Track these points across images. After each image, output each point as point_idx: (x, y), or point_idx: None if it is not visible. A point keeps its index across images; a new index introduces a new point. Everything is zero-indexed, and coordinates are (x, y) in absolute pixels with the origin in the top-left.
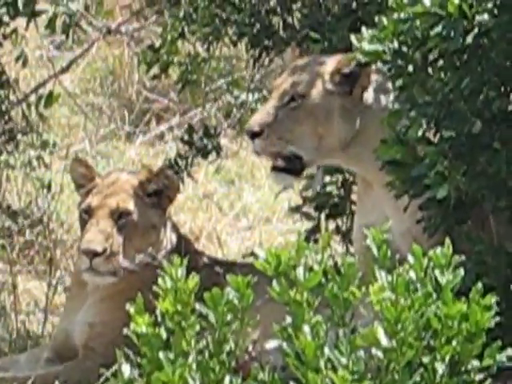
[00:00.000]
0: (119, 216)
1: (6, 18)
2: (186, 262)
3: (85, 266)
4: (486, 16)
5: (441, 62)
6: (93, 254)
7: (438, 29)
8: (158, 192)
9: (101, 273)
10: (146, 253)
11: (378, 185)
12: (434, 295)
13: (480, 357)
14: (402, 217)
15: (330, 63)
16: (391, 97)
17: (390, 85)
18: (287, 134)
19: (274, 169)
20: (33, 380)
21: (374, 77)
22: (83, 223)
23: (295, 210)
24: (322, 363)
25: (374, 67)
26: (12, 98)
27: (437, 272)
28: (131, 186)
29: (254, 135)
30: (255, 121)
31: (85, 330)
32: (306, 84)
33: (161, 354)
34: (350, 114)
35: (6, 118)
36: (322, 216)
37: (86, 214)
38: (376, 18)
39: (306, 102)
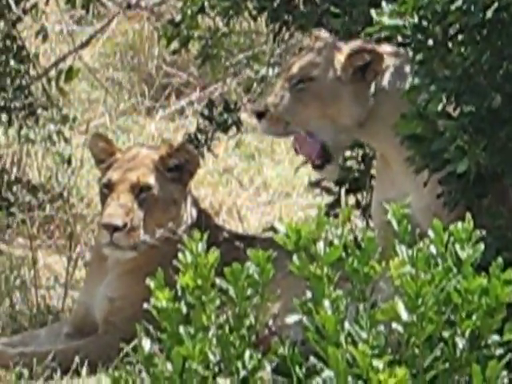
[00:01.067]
0: (140, 190)
1: None
2: (206, 236)
3: (105, 240)
4: None
5: (461, 37)
6: (113, 229)
7: (458, 3)
8: (178, 167)
9: (121, 247)
10: (166, 227)
11: (396, 161)
12: (455, 270)
13: (500, 331)
14: (421, 193)
15: (345, 51)
16: (408, 80)
17: (407, 68)
18: (292, 115)
19: (316, 168)
20: (53, 355)
21: (392, 60)
22: (104, 198)
23: (315, 184)
24: (342, 338)
25: (390, 50)
26: (32, 72)
27: (457, 246)
28: (152, 161)
29: (259, 115)
30: (262, 101)
31: (105, 304)
32: (317, 68)
33: (181, 329)
34: (361, 98)
35: (27, 92)
36: (342, 190)
37: (107, 189)
38: None
39: (313, 86)
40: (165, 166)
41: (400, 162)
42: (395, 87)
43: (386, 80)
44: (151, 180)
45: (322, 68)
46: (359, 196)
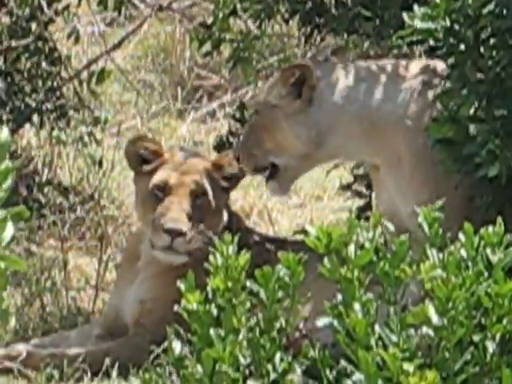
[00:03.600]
0: (196, 196)
1: None
2: (237, 239)
3: (163, 244)
4: None
5: (493, 40)
6: (176, 234)
7: (491, 7)
8: (232, 176)
9: (179, 252)
10: (204, 231)
11: (378, 168)
12: (485, 273)
13: None
14: (406, 198)
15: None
16: (346, 83)
17: (340, 73)
18: (254, 150)
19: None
20: (83, 356)
21: (319, 72)
22: (154, 199)
23: (346, 187)
24: (372, 341)
25: (312, 61)
26: (64, 74)
27: (488, 250)
28: (204, 167)
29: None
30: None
31: (135, 306)
32: (258, 99)
33: (211, 331)
34: (302, 117)
35: (58, 94)
36: (373, 194)
37: (161, 191)
38: None
39: (259, 118)
40: (221, 174)
41: (383, 167)
42: (336, 96)
43: (325, 93)
44: (207, 186)
45: (261, 98)
46: None
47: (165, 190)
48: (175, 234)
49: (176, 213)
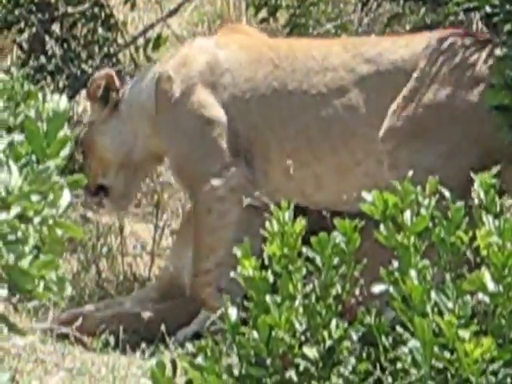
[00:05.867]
0: None
1: None
2: (292, 205)
3: None
4: None
5: None
6: None
7: None
8: None
9: None
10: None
11: None
12: None
13: None
14: None
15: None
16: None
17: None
18: (87, 174)
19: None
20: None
21: (127, 79)
22: None
23: None
24: (428, 308)
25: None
26: (120, 40)
27: None
28: None
29: None
30: None
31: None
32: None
33: (267, 298)
34: (106, 126)
35: (114, 60)
36: None
37: None
38: None
39: (83, 143)
40: None
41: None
42: (134, 102)
43: (128, 97)
44: None
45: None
46: None
47: None
48: None
49: None
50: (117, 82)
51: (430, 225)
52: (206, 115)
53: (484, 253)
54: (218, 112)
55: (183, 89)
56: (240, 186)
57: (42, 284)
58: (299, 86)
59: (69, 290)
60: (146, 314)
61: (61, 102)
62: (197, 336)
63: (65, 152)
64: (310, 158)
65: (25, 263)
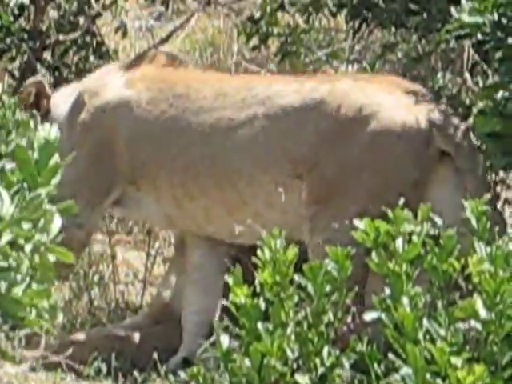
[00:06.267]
0: None
1: None
2: (284, 233)
3: None
4: None
5: None
6: None
7: None
8: None
9: None
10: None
11: None
12: None
13: None
14: None
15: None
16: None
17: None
18: None
19: None
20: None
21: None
22: None
23: None
24: (420, 335)
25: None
26: None
27: None
28: None
29: None
30: None
31: None
32: None
33: (259, 325)
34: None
35: None
36: None
37: None
38: None
39: None
40: None
41: None
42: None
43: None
44: None
45: None
46: None
47: None
48: None
49: None
50: (48, 90)
51: (422, 252)
52: (104, 148)
53: (476, 280)
54: (116, 147)
55: (90, 118)
56: None
57: (34, 312)
58: (188, 124)
59: (60, 318)
60: (138, 337)
61: (52, 130)
62: (188, 363)
63: (56, 180)
64: (198, 192)
65: (18, 291)
